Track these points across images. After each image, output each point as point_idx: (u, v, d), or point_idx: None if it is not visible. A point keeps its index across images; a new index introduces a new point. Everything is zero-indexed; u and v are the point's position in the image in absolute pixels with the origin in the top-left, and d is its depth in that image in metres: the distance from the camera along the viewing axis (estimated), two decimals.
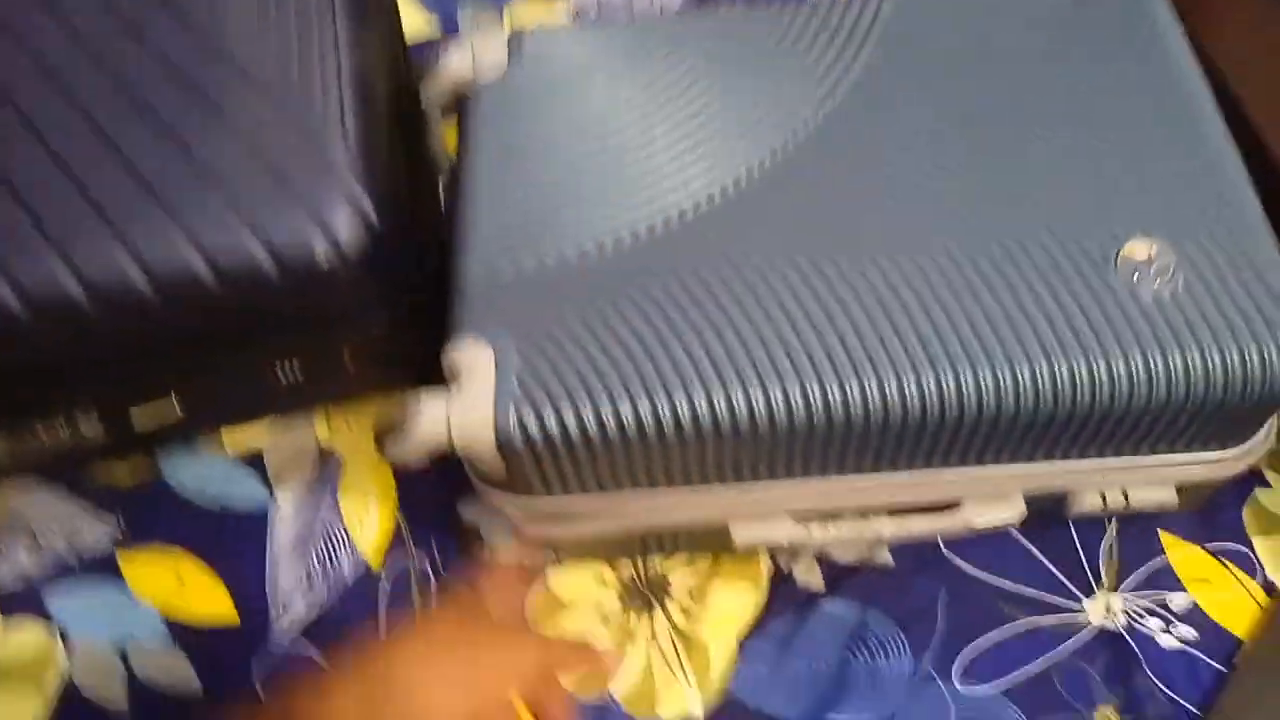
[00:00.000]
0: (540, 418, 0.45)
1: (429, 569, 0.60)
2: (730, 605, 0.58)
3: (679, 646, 0.57)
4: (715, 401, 0.45)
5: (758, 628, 0.57)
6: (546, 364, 0.46)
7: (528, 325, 0.47)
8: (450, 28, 0.83)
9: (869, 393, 0.45)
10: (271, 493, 0.63)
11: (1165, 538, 0.58)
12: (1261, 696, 0.54)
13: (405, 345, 0.60)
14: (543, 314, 0.48)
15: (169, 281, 0.50)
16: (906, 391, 0.45)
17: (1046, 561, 0.58)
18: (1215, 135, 0.51)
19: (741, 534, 0.53)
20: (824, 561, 0.59)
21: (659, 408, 0.45)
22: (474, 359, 0.47)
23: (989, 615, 0.57)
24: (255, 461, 0.64)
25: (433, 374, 0.63)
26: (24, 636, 0.58)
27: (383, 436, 0.48)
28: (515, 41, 0.57)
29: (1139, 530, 0.59)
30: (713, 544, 0.57)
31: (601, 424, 0.45)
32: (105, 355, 0.53)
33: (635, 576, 0.59)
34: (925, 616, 0.57)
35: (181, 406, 0.58)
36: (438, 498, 0.60)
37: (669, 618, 0.58)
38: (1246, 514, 0.59)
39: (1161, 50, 0.54)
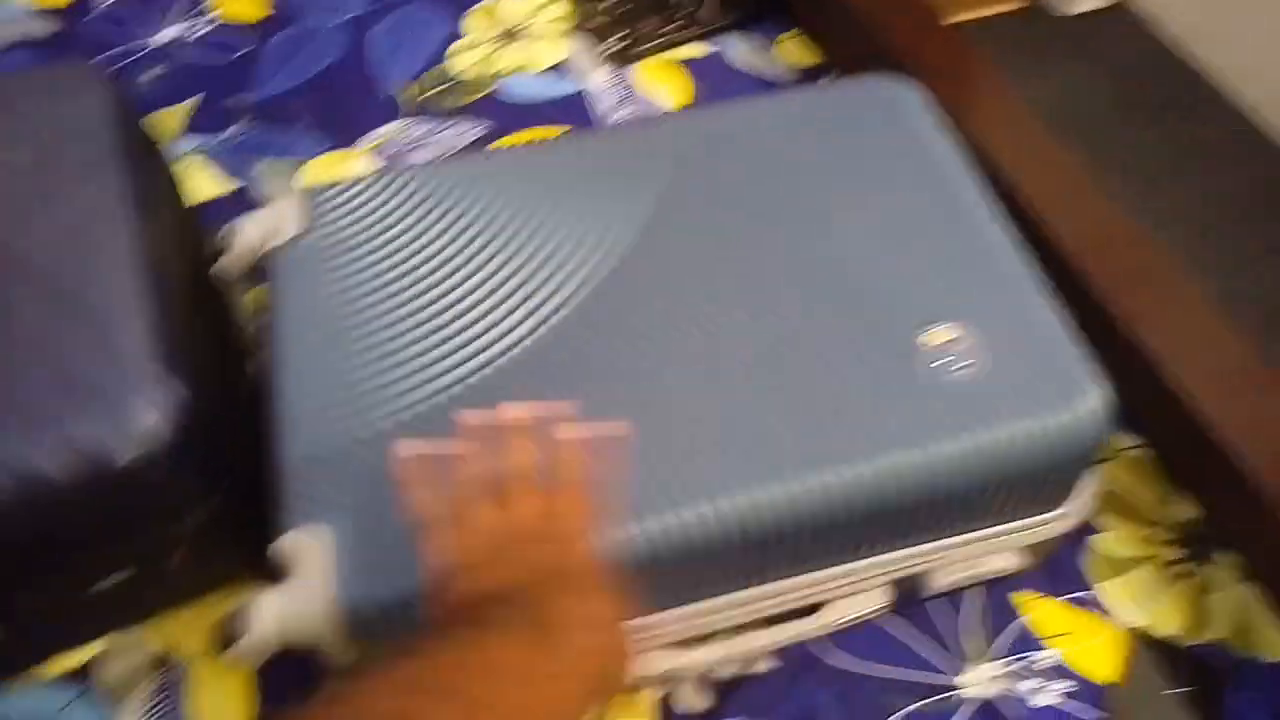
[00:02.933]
0: (389, 591, 0.43)
1: None
2: None
3: None
4: None
5: None
6: (387, 540, 0.44)
7: (357, 501, 0.46)
8: (246, 186, 0.81)
9: (722, 511, 0.45)
10: (112, 715, 0.57)
11: (1019, 599, 0.60)
12: None
13: (232, 534, 0.57)
14: (375, 490, 0.46)
15: None
16: (758, 504, 0.45)
17: (916, 645, 0.59)
18: (986, 221, 0.54)
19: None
20: (705, 681, 0.58)
21: None
22: (305, 550, 0.45)
23: (874, 708, 0.57)
24: (88, 681, 0.58)
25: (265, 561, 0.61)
26: None
27: (226, 642, 0.45)
28: (310, 200, 0.56)
29: (996, 597, 0.60)
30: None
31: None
32: None
33: None
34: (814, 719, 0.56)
35: (3, 639, 0.54)
36: (299, 690, 0.57)
37: None
38: (1088, 562, 0.61)
39: (928, 149, 0.58)
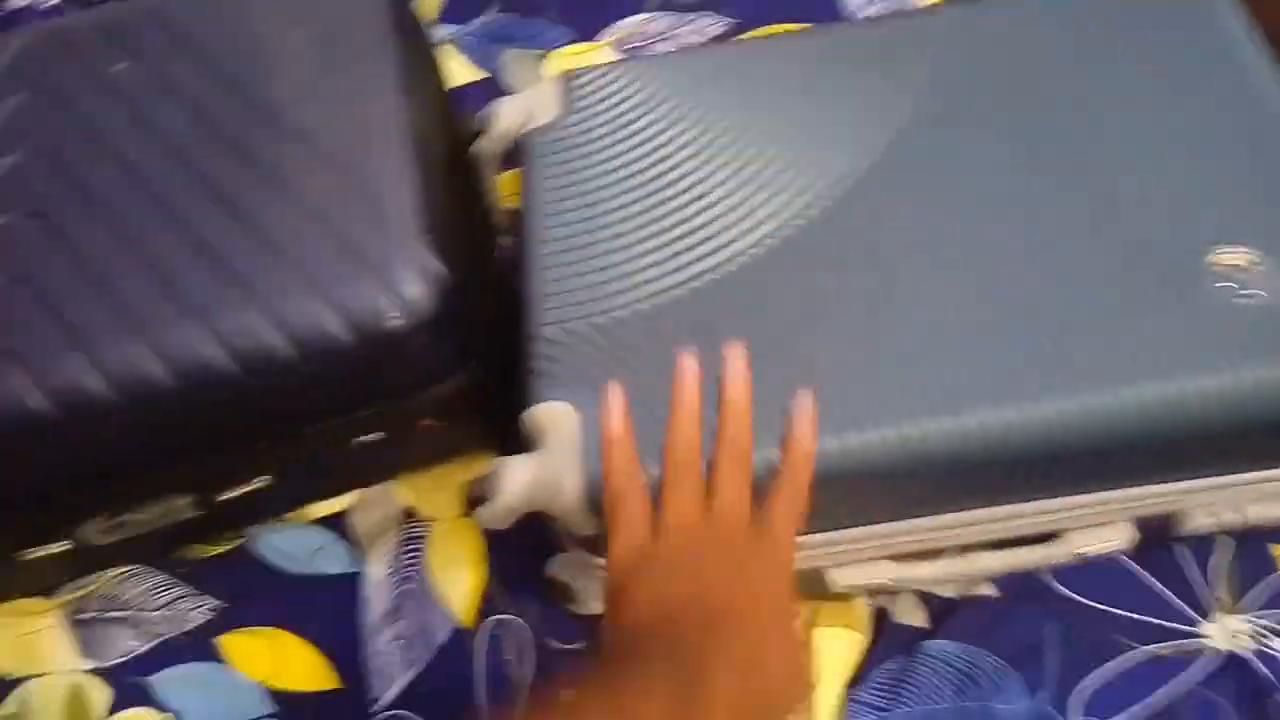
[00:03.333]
0: None
1: (524, 628, 0.59)
2: (833, 652, 0.56)
3: None
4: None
5: (863, 675, 0.55)
6: (635, 423, 0.46)
7: (601, 381, 0.47)
8: (492, 76, 0.83)
9: (967, 427, 0.44)
10: (360, 559, 0.63)
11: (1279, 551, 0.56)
12: None
13: (483, 404, 0.60)
14: (623, 369, 0.47)
15: (249, 359, 0.51)
16: (1006, 423, 0.44)
17: (1160, 586, 0.55)
18: None
19: (840, 579, 0.51)
20: (926, 598, 0.57)
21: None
22: (557, 422, 0.46)
23: (1104, 647, 0.54)
24: (342, 528, 0.64)
25: (513, 432, 0.64)
26: None
27: (473, 502, 0.48)
28: (567, 85, 0.57)
29: (1251, 547, 0.56)
30: (813, 589, 0.56)
31: None
32: (193, 436, 0.54)
33: None
34: (1037, 652, 0.54)
35: (270, 485, 0.59)
36: (530, 556, 0.60)
37: None
38: None
39: (1232, 55, 0.52)
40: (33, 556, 0.58)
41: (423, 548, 0.63)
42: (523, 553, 0.60)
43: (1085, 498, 0.48)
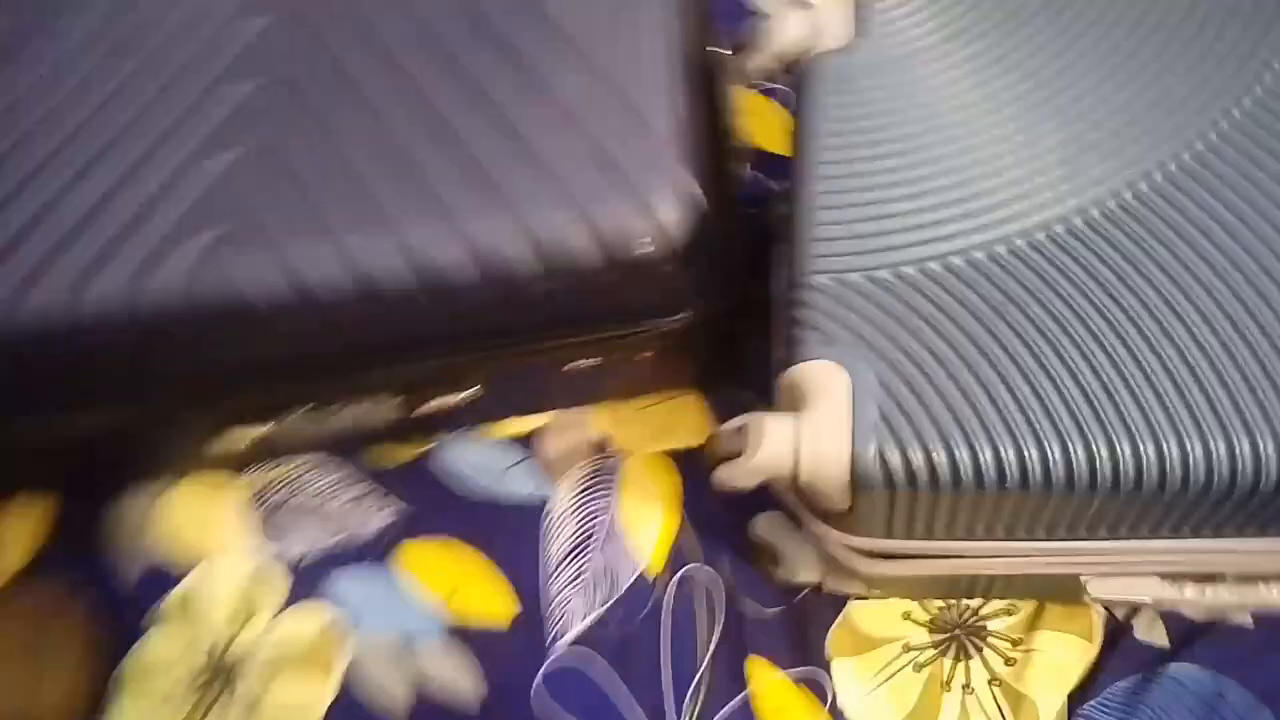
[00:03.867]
0: (906, 457, 0.40)
1: (716, 584, 0.56)
2: (1060, 658, 0.52)
3: (1001, 701, 0.51)
4: (1096, 452, 0.39)
5: (1092, 687, 0.51)
6: (910, 395, 0.41)
7: (884, 348, 0.42)
8: None
9: (1262, 450, 0.38)
10: (549, 485, 0.60)
11: None
12: None
13: (707, 343, 0.57)
14: (900, 336, 0.42)
15: (489, 266, 0.48)
16: None
17: None
18: None
19: (1099, 590, 0.47)
20: (1169, 617, 0.52)
21: (1031, 454, 0.39)
22: (827, 382, 0.42)
23: None
24: (534, 449, 0.61)
25: (728, 377, 0.60)
26: (312, 620, 0.58)
27: (716, 457, 0.44)
28: (864, 6, 0.51)
29: None
30: (1053, 592, 0.52)
31: (976, 468, 0.40)
32: (418, 337, 0.52)
33: (948, 618, 0.54)
34: None
35: (476, 396, 0.57)
36: (728, 508, 0.57)
37: (988, 667, 0.52)
38: None
39: None
40: (233, 435, 0.57)
41: (614, 483, 0.60)
42: (721, 503, 0.57)
43: None
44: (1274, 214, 0.43)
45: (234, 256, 0.47)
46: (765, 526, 0.54)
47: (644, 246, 0.48)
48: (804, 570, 0.53)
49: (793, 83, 0.52)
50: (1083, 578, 0.47)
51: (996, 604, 0.54)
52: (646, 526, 0.58)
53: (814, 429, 0.41)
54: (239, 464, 0.62)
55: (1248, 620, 0.51)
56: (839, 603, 0.55)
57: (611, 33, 0.51)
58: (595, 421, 0.62)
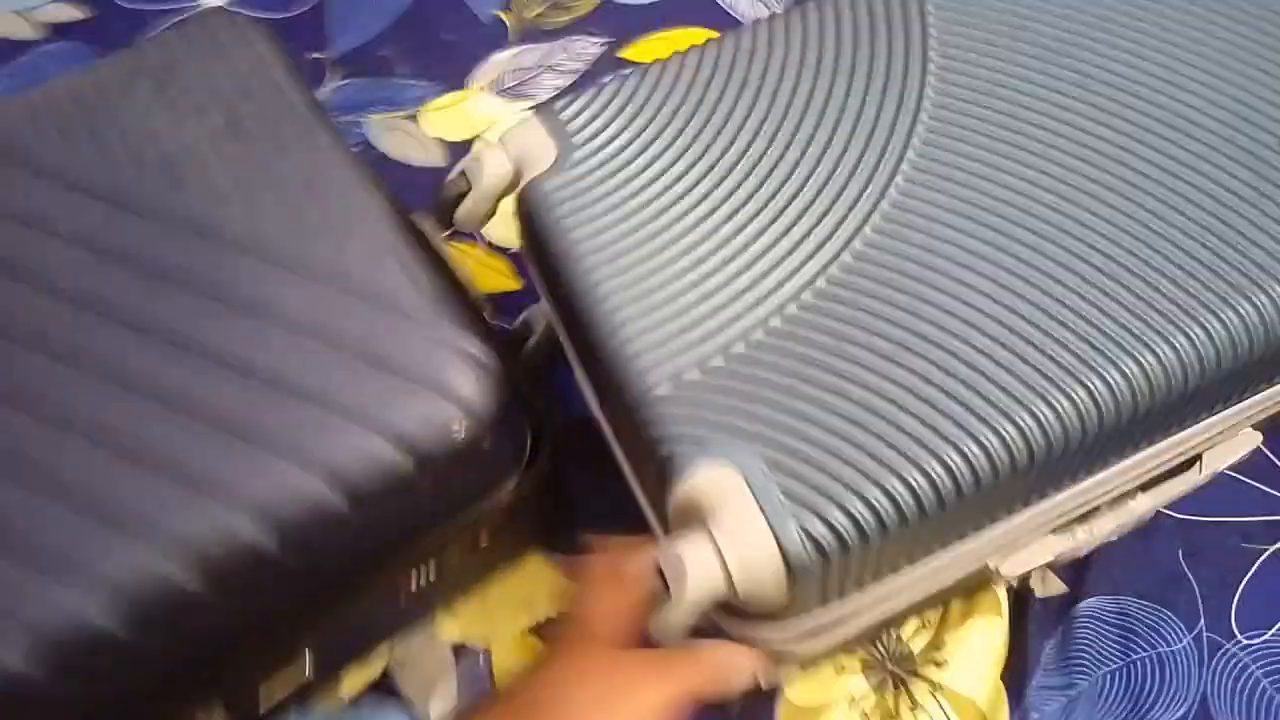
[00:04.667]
0: (827, 522, 0.38)
1: None
2: (982, 645, 0.52)
3: (946, 706, 0.51)
4: (989, 447, 0.39)
5: (1022, 659, 0.52)
6: (798, 462, 0.39)
7: (751, 429, 0.40)
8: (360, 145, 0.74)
9: (1121, 383, 0.41)
10: (416, 713, 0.52)
11: None
12: None
13: (531, 504, 0.52)
14: (760, 411, 0.41)
15: (297, 521, 0.40)
16: (1152, 372, 0.41)
17: (1263, 485, 0.56)
18: None
19: (1010, 570, 0.47)
20: (1052, 566, 0.54)
21: (935, 470, 0.39)
22: (720, 486, 0.39)
23: (1237, 557, 0.54)
24: (385, 686, 0.53)
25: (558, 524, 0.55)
26: None
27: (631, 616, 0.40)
28: (553, 121, 0.50)
29: None
30: (965, 590, 0.52)
31: (894, 504, 0.39)
32: (232, 638, 0.42)
33: (876, 655, 0.53)
34: (1180, 583, 0.53)
35: (313, 661, 0.48)
36: None
37: (927, 680, 0.52)
38: None
39: None
40: None
41: (488, 680, 0.53)
42: None
43: (1217, 417, 0.47)
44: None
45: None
46: None
47: (457, 431, 0.43)
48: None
49: (522, 214, 0.49)
50: (991, 565, 0.47)
51: (910, 624, 0.54)
52: None
53: (731, 537, 0.38)
54: None
55: (1114, 537, 0.54)
56: (771, 694, 0.52)
57: (324, 233, 0.46)
58: (444, 632, 0.54)
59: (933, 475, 0.39)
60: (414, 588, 0.49)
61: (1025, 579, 0.54)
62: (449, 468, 0.43)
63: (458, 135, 0.74)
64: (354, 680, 0.53)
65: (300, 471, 0.40)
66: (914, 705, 0.51)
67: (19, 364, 0.43)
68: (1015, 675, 0.52)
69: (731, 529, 0.38)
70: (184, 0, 0.82)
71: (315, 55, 0.78)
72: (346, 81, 0.77)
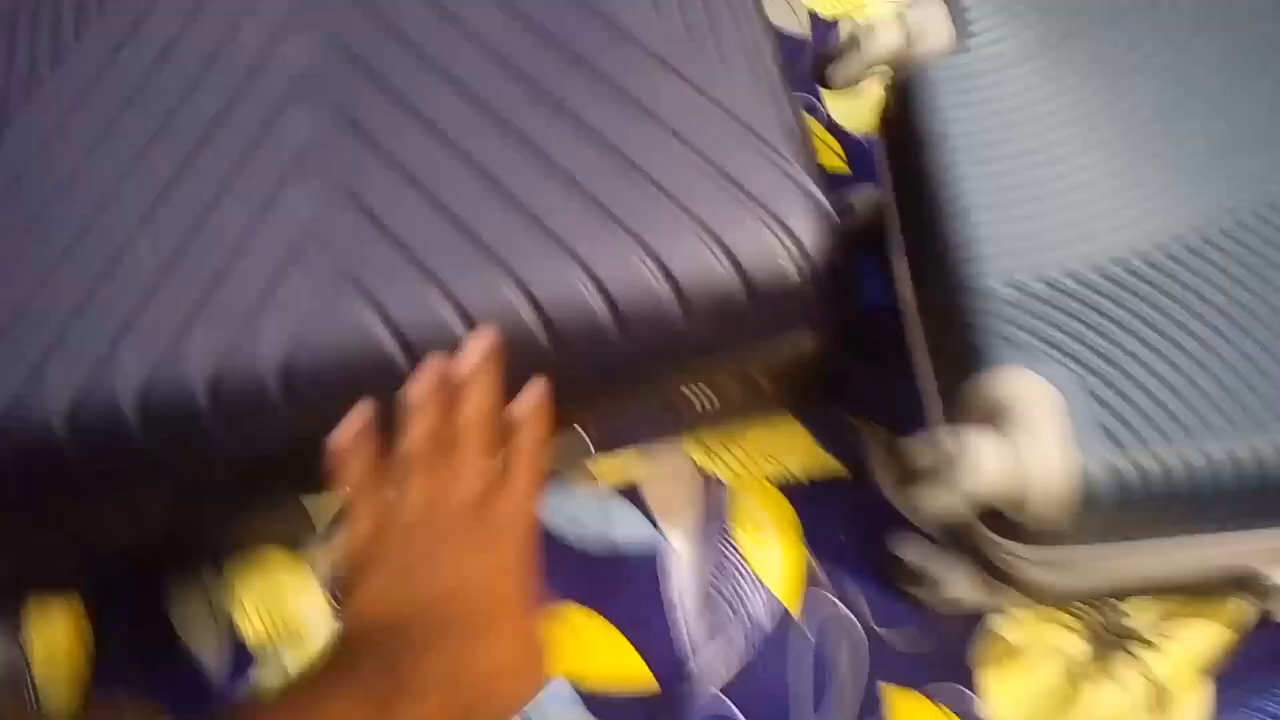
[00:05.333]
0: (1137, 464, 0.38)
1: (850, 613, 0.54)
2: (1201, 647, 0.51)
3: (1148, 694, 0.51)
4: None
5: (1232, 667, 0.51)
6: (1117, 397, 0.39)
7: (1078, 352, 0.40)
8: None
9: None
10: (659, 528, 0.56)
11: None
12: None
13: (810, 363, 0.54)
14: (1089, 338, 0.41)
15: (626, 304, 0.44)
16: None
17: None
18: None
19: (1277, 576, 0.46)
20: None
21: (1246, 445, 0.38)
22: (1029, 393, 0.40)
23: None
24: (632, 494, 0.57)
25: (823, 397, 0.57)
26: None
27: (911, 483, 0.41)
28: (960, 13, 0.50)
29: None
30: (1214, 591, 0.51)
31: (1209, 462, 0.38)
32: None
33: (1096, 620, 0.53)
34: None
35: (591, 437, 0.53)
36: (848, 531, 0.54)
37: (1138, 660, 0.51)
38: None
39: None
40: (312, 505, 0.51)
41: (728, 522, 0.57)
42: (845, 523, 0.55)
43: None
44: None
45: (338, 309, 0.43)
46: (909, 549, 0.52)
47: (789, 272, 0.45)
48: (954, 588, 0.51)
49: (901, 90, 0.50)
50: (1258, 568, 0.46)
51: (1138, 602, 0.53)
52: (770, 561, 0.55)
53: (1033, 448, 0.39)
54: (299, 537, 0.56)
55: None
56: (978, 618, 0.53)
57: (699, 43, 0.48)
58: (696, 457, 0.58)
59: (1256, 450, 0.38)
60: (693, 406, 0.52)
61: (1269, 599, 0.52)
62: (770, 300, 0.46)
63: (829, 11, 0.74)
64: (607, 471, 0.58)
65: (642, 262, 0.44)
66: (1118, 682, 0.51)
67: (434, 97, 0.48)
68: (1235, 691, 0.51)
69: (1034, 440, 0.39)
70: None
71: None
72: None
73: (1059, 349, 0.41)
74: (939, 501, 0.40)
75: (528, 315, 0.43)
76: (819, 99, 0.70)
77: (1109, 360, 0.40)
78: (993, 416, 0.41)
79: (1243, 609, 0.52)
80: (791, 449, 0.58)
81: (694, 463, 0.58)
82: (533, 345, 0.44)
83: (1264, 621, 0.52)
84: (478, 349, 0.41)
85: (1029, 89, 0.47)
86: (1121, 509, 0.40)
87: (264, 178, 0.46)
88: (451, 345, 0.43)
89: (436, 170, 0.46)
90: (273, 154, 0.46)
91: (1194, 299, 0.41)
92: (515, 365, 0.45)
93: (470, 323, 0.43)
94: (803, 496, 0.57)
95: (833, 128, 0.69)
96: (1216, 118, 0.45)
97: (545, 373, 0.47)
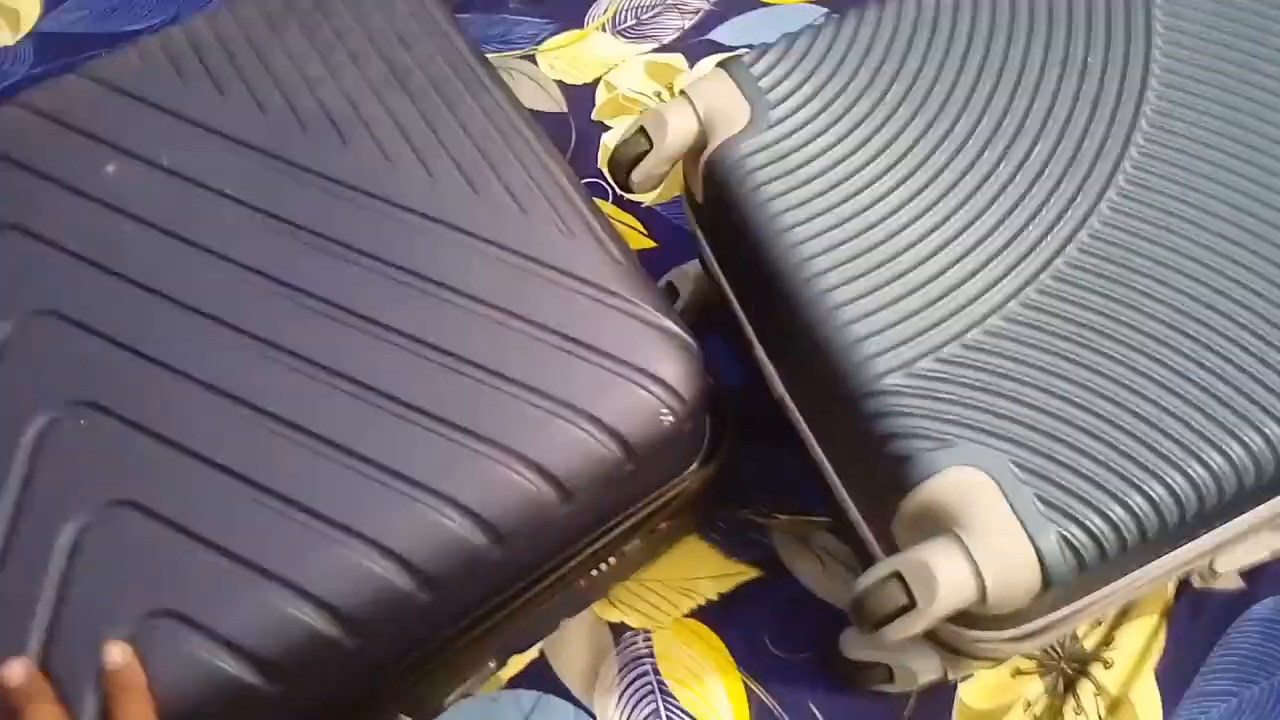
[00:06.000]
0: (1090, 532, 0.36)
1: None
2: (1143, 646, 0.51)
3: (1102, 709, 0.50)
4: (1234, 457, 0.37)
5: (1183, 663, 0.50)
6: (1051, 464, 0.37)
7: (998, 426, 0.38)
8: None
9: None
10: (584, 708, 0.50)
11: None
12: None
13: (705, 492, 0.49)
14: (1001, 406, 0.38)
15: (507, 518, 0.38)
16: None
17: None
18: None
19: (1225, 564, 0.46)
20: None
21: (1197, 473, 0.37)
22: (967, 488, 0.37)
23: None
24: (546, 678, 0.51)
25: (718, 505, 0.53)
26: None
27: (874, 618, 0.37)
28: (744, 76, 0.46)
29: None
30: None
31: (1155, 510, 0.36)
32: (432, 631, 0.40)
33: (1053, 655, 0.51)
34: None
35: (496, 656, 0.46)
36: (778, 636, 0.51)
37: (1092, 681, 0.50)
38: None
39: None
40: None
41: (654, 673, 0.51)
42: (764, 631, 0.51)
43: None
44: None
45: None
46: (859, 647, 0.49)
47: (665, 419, 0.40)
48: (925, 674, 0.47)
49: (712, 178, 0.45)
50: (1210, 559, 0.45)
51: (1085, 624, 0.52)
52: (715, 704, 0.50)
53: (986, 545, 0.36)
54: None
55: None
56: (947, 689, 0.50)
57: (495, 203, 0.43)
58: (605, 615, 0.52)
59: (1195, 478, 0.37)
60: (593, 573, 0.46)
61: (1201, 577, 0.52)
62: (654, 456, 0.41)
63: (578, 78, 0.69)
64: (511, 668, 0.51)
65: (512, 470, 0.38)
66: (1079, 709, 0.50)
67: (181, 328, 0.40)
68: (1177, 678, 0.50)
69: (986, 537, 0.36)
70: None
71: None
72: (458, 16, 0.73)
73: (974, 428, 0.38)
74: (911, 631, 0.37)
75: (397, 577, 0.36)
76: (602, 176, 0.65)
77: (1023, 423, 0.38)
78: (935, 524, 0.37)
79: (1165, 591, 0.52)
80: (701, 569, 0.53)
81: (606, 623, 0.52)
82: (410, 602, 0.37)
83: (1180, 590, 0.52)
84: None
85: (845, 156, 0.44)
86: (1082, 574, 0.37)
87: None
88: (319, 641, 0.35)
89: (242, 447, 0.37)
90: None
91: (1078, 328, 0.39)
92: (396, 629, 0.38)
93: (330, 608, 0.35)
94: (722, 618, 0.52)
95: (622, 202, 0.65)
96: (1029, 146, 0.43)
97: (430, 622, 0.40)
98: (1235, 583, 0.52)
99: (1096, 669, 0.50)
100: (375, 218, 0.43)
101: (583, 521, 0.41)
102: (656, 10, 0.72)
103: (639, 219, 0.65)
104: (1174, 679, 0.50)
